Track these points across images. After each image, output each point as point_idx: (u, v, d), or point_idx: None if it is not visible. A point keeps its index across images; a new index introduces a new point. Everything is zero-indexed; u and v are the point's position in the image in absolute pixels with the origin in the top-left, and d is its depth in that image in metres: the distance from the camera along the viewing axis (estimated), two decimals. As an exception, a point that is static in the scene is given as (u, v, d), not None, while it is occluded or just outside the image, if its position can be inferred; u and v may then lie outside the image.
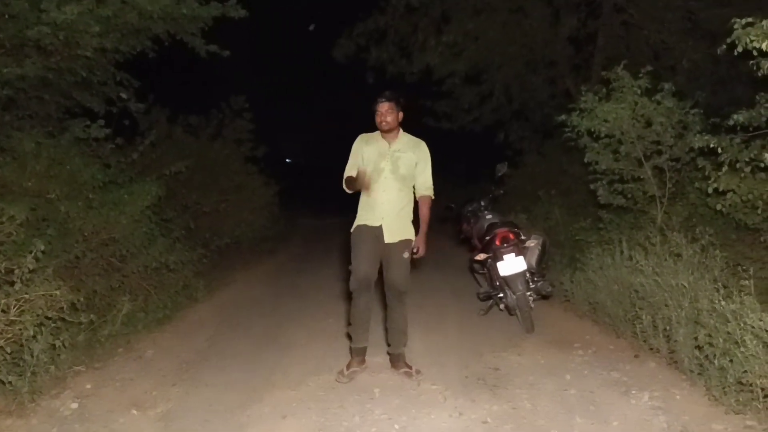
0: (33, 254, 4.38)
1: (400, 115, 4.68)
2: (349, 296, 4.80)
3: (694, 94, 6.72)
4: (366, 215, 4.67)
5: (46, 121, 7.12)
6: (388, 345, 4.91)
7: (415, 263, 4.80)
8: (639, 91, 6.26)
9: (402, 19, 12.43)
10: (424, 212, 4.76)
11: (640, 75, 6.31)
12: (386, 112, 4.60)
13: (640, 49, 10.74)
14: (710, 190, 5.51)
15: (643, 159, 6.38)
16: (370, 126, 4.76)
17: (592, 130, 6.45)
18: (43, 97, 7.06)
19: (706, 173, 5.60)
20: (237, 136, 11.38)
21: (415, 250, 4.70)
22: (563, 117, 6.74)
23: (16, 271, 4.31)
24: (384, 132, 4.67)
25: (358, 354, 4.77)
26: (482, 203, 6.71)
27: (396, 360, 4.82)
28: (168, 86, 10.41)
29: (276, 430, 3.85)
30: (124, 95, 7.69)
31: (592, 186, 6.83)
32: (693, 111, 6.23)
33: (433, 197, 4.82)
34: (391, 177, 4.63)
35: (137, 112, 8.22)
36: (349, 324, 4.83)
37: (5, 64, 6.23)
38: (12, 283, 4.29)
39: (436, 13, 12.22)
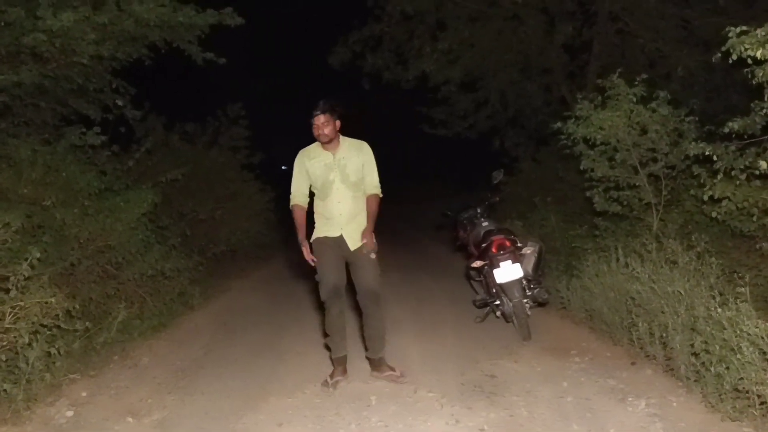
0: (28, 261, 4.38)
1: (338, 123, 4.63)
2: (321, 307, 4.81)
3: (689, 102, 6.74)
4: (324, 227, 4.69)
5: (42, 128, 7.13)
6: (367, 350, 4.87)
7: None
8: (634, 99, 6.28)
9: (398, 26, 12.48)
10: (372, 208, 4.74)
11: (636, 83, 6.33)
12: (322, 124, 4.54)
13: (635, 57, 10.79)
14: (706, 198, 5.51)
15: (638, 166, 6.39)
16: (309, 138, 4.73)
17: (588, 137, 6.46)
18: (39, 104, 7.07)
19: (702, 181, 5.60)
20: (233, 143, 11.39)
21: (367, 245, 4.69)
22: (559, 124, 6.76)
23: (12, 279, 4.31)
24: (324, 144, 4.64)
25: (339, 363, 4.74)
26: (478, 210, 6.71)
27: (378, 364, 4.80)
28: (164, 93, 10.42)
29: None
30: (120, 102, 7.71)
31: (587, 193, 6.84)
32: (688, 119, 6.25)
33: (381, 195, 4.82)
34: (343, 187, 4.63)
35: (133, 120, 8.23)
36: (325, 335, 4.82)
37: (1, 71, 6.23)
38: (7, 291, 4.29)
39: (432, 20, 12.27)
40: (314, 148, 4.71)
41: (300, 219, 4.69)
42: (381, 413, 4.12)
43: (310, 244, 4.66)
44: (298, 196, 4.71)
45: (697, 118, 6.28)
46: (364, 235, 4.67)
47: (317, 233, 4.69)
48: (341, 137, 4.72)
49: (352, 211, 4.65)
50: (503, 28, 11.91)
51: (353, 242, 4.63)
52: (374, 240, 4.72)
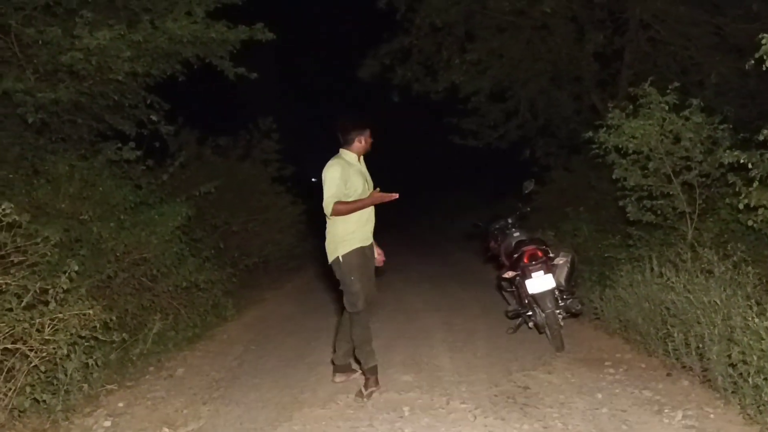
0: (67, 274, 4.46)
1: None
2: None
3: (723, 109, 6.65)
4: (359, 237, 4.75)
5: (79, 143, 7.29)
6: (335, 352, 5.13)
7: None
8: (667, 107, 6.22)
9: (426, 39, 12.50)
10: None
11: (668, 91, 6.27)
12: (370, 136, 4.85)
13: (667, 65, 10.69)
14: (741, 206, 5.43)
15: (672, 175, 6.32)
16: (334, 147, 4.89)
17: (620, 146, 6.41)
18: (76, 120, 7.23)
19: (737, 189, 5.53)
20: (264, 156, 11.50)
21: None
22: (590, 134, 6.72)
23: (51, 291, 4.39)
24: (360, 155, 4.87)
25: (372, 373, 4.79)
26: (509, 221, 6.69)
27: (342, 370, 5.09)
28: (197, 108, 10.57)
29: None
30: (154, 118, 7.85)
31: (620, 202, 6.78)
32: (722, 126, 6.17)
33: None
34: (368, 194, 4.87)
35: (167, 134, 8.36)
36: (354, 349, 4.91)
37: (39, 89, 6.40)
38: (47, 303, 4.36)
39: (460, 31, 12.27)
40: (348, 158, 4.79)
41: (350, 205, 4.64)
42: (414, 425, 4.12)
43: (341, 257, 4.69)
44: (338, 198, 4.62)
45: (731, 126, 6.21)
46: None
47: (352, 244, 4.70)
48: None
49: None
50: (532, 37, 11.88)
51: (375, 250, 4.98)
52: None
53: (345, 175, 4.62)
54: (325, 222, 4.79)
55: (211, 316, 7.18)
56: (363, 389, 4.68)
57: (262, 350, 6.21)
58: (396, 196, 4.63)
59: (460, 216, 15.35)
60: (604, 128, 6.55)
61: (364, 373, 4.80)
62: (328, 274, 5.13)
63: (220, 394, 4.92)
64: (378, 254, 5.03)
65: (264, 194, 11.05)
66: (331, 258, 4.76)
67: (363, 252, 4.76)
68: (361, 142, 4.80)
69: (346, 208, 4.60)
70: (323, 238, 4.83)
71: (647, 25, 10.94)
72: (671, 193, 6.39)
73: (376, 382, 4.77)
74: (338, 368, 5.10)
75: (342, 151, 4.82)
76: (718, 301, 4.58)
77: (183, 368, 5.66)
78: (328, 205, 4.59)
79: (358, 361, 4.91)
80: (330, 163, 4.73)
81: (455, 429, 4.02)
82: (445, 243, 15.85)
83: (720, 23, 9.89)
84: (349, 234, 4.71)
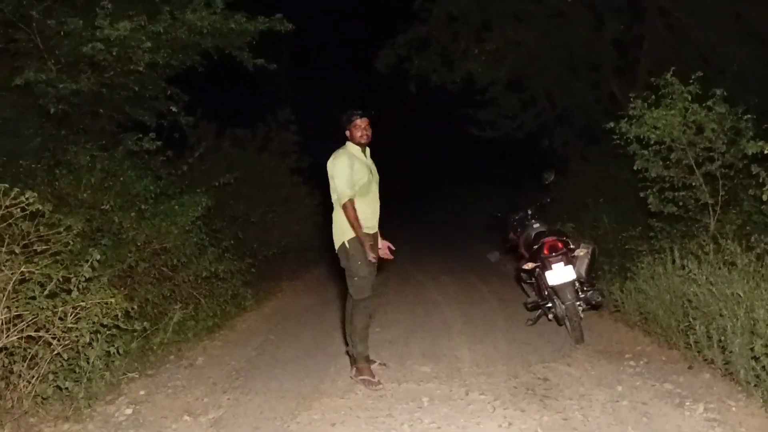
0: (89, 263, 4.50)
1: None
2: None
3: (746, 99, 6.55)
4: (367, 225, 4.81)
5: (100, 134, 7.33)
6: (347, 344, 5.11)
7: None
8: (689, 97, 6.14)
9: (443, 28, 12.44)
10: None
11: (691, 81, 6.19)
12: (368, 126, 4.87)
13: (687, 53, 10.52)
14: (765, 197, 5.34)
15: (694, 166, 6.24)
16: (340, 139, 4.96)
17: (642, 137, 6.34)
18: (97, 111, 7.29)
19: (761, 180, 5.44)
20: (283, 148, 11.49)
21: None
22: (611, 124, 6.65)
23: (73, 280, 4.43)
24: (363, 145, 4.90)
25: (369, 361, 4.92)
26: (529, 212, 6.66)
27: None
28: (216, 100, 10.60)
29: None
30: (174, 109, 7.88)
31: (642, 194, 6.70)
32: (745, 116, 6.08)
33: None
34: (376, 186, 4.96)
35: (187, 126, 8.40)
36: (352, 336, 4.93)
37: (61, 80, 6.45)
38: (69, 291, 4.41)
39: (477, 21, 12.21)
40: (352, 150, 4.89)
41: (356, 214, 4.74)
42: (433, 415, 4.12)
43: (348, 243, 4.80)
44: (350, 192, 4.74)
45: (754, 116, 6.11)
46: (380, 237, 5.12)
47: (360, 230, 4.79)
48: None
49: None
50: (549, 26, 11.78)
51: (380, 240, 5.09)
52: None
53: (351, 165, 4.75)
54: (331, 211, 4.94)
55: (230, 306, 7.21)
56: (371, 378, 4.75)
57: (281, 340, 6.24)
58: (390, 257, 5.20)
59: (477, 207, 15.28)
60: (626, 118, 6.49)
61: (356, 361, 4.87)
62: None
63: (239, 384, 4.95)
64: (385, 246, 5.17)
65: (282, 186, 11.05)
66: (338, 244, 4.87)
67: (371, 238, 4.87)
68: (358, 131, 4.83)
69: (351, 215, 4.71)
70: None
71: (666, 12, 10.78)
72: (693, 184, 6.31)
73: (371, 372, 4.81)
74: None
75: (347, 143, 4.92)
76: (741, 294, 4.53)
77: (203, 357, 5.71)
78: (344, 197, 4.71)
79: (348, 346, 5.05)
80: (336, 153, 4.86)
81: (474, 420, 4.02)
82: (464, 235, 15.80)
83: (741, 10, 9.73)
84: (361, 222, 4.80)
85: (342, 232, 4.81)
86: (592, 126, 11.35)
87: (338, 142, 4.97)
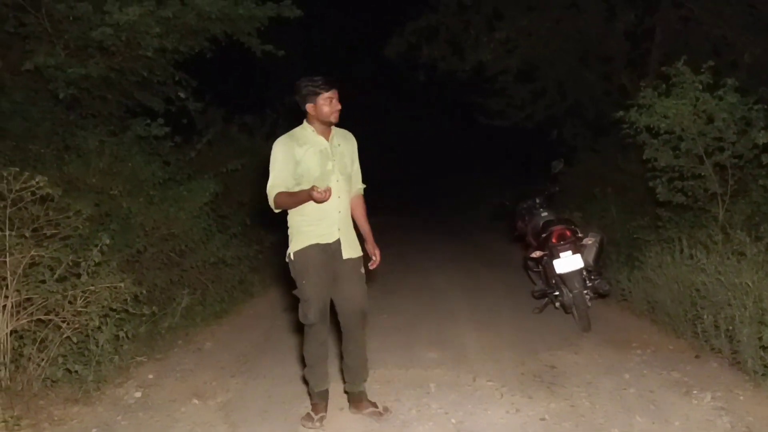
0: (98, 248, 4.53)
1: None
2: (299, 328, 4.06)
3: (758, 90, 6.52)
4: (317, 230, 3.74)
5: (109, 119, 7.34)
6: (345, 382, 4.06)
7: (369, 275, 4.02)
8: (700, 87, 6.11)
9: (454, 17, 12.36)
10: (364, 211, 4.06)
11: (702, 70, 6.16)
12: (338, 100, 3.73)
13: (699, 44, 10.45)
14: (775, 188, 5.35)
15: (704, 156, 6.22)
16: (295, 122, 3.90)
17: (651, 126, 6.32)
18: (105, 96, 7.28)
19: (771, 170, 5.44)
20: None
21: (373, 258, 4.00)
22: (621, 113, 6.63)
23: (83, 264, 4.46)
24: (327, 125, 3.78)
25: (322, 398, 3.91)
26: (537, 201, 6.64)
27: (358, 399, 4.01)
28: (224, 86, 10.57)
29: (333, 421, 3.89)
30: (182, 94, 7.87)
31: (650, 183, 6.69)
32: (756, 107, 6.05)
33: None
34: (342, 178, 3.80)
35: (195, 111, 8.40)
36: (304, 366, 3.96)
37: (70, 64, 6.45)
38: (78, 276, 4.44)
39: (488, 9, 12.11)
40: (303, 133, 3.78)
41: (289, 194, 3.68)
42: (441, 401, 4.14)
43: (293, 255, 3.78)
44: (279, 188, 3.70)
45: (765, 106, 6.08)
46: (368, 246, 4.01)
47: (305, 241, 3.74)
48: None
49: (347, 210, 3.88)
50: (561, 16, 11.70)
51: (349, 250, 3.82)
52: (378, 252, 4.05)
53: (291, 155, 3.68)
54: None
55: (237, 292, 7.24)
56: (313, 414, 3.86)
57: (287, 326, 6.24)
58: (327, 193, 3.47)
59: (485, 197, 15.27)
60: (635, 107, 6.46)
61: (311, 397, 3.95)
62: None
63: (247, 368, 4.98)
64: (371, 253, 4.01)
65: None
66: (287, 255, 3.84)
67: (323, 251, 3.74)
68: (326, 106, 3.68)
69: (286, 201, 3.68)
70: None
71: (679, 3, 10.70)
72: (703, 174, 6.29)
73: (326, 408, 3.92)
74: (354, 398, 4.06)
75: (304, 124, 3.82)
76: (750, 283, 4.52)
77: (211, 342, 5.74)
78: (269, 197, 3.73)
79: (305, 382, 4.01)
80: (277, 140, 3.81)
81: (482, 406, 4.03)
82: (471, 224, 15.80)
83: (754, 2, 9.64)
84: (303, 226, 3.76)
85: (290, 242, 3.81)
86: (601, 118, 11.30)
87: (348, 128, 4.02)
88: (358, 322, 3.92)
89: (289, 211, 3.79)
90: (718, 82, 6.16)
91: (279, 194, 3.66)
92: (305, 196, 3.56)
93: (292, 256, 3.77)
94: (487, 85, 12.81)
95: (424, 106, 21.99)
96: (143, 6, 6.22)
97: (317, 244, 3.73)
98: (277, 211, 3.78)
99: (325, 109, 3.69)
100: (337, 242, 3.78)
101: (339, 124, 3.83)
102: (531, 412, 3.92)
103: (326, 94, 3.67)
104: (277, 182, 3.69)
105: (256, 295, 7.60)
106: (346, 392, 4.07)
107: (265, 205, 3.78)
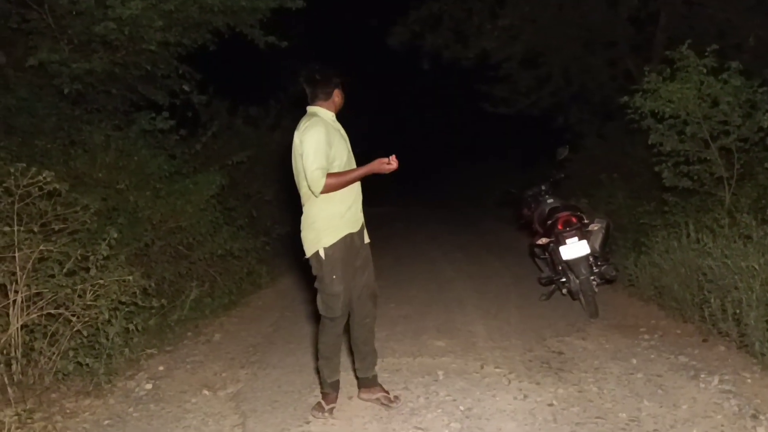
0: (107, 242, 4.55)
1: None
2: (307, 319, 4.10)
3: (762, 73, 6.49)
4: (345, 222, 3.73)
5: (114, 114, 7.36)
6: (357, 369, 4.05)
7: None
8: (705, 71, 6.08)
9: (456, 4, 12.32)
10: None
11: (706, 54, 6.13)
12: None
13: (704, 28, 10.38)
14: (781, 170, 5.33)
15: (709, 140, 6.21)
16: (299, 113, 3.97)
17: (656, 111, 6.30)
18: (110, 91, 7.30)
19: (777, 153, 5.42)
20: (296, 125, 11.47)
21: (389, 161, 3.66)
22: (626, 98, 6.61)
23: (91, 258, 4.48)
24: (335, 112, 3.86)
25: (334, 389, 3.91)
26: (543, 188, 6.64)
27: (372, 383, 4.01)
28: (228, 78, 10.56)
29: (342, 410, 3.91)
30: (186, 88, 7.89)
31: (656, 168, 6.68)
32: (761, 90, 6.02)
33: None
34: (354, 163, 3.84)
35: (199, 104, 8.41)
36: (317, 357, 3.96)
37: (74, 59, 6.46)
38: (87, 270, 4.47)
39: (491, -3, 12.08)
40: (329, 115, 3.82)
41: (339, 175, 3.64)
42: (449, 388, 4.16)
43: (323, 251, 3.71)
44: (327, 169, 3.61)
45: (771, 89, 6.06)
46: (375, 163, 3.71)
47: (337, 234, 3.70)
48: None
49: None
50: (565, 2, 11.64)
51: (366, 235, 3.92)
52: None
53: (328, 139, 3.63)
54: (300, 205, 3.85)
55: (246, 284, 7.28)
56: (324, 404, 3.86)
57: (296, 316, 6.28)
58: (394, 162, 3.60)
59: (492, 185, 15.26)
60: (640, 92, 6.44)
61: (322, 386, 3.94)
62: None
63: (257, 359, 5.01)
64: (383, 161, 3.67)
65: (295, 164, 11.05)
66: (309, 251, 3.76)
67: (352, 241, 3.76)
68: (339, 97, 3.83)
69: (337, 181, 3.60)
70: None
71: (684, -14, 10.64)
72: (708, 158, 6.28)
73: (336, 399, 3.92)
74: (365, 383, 4.06)
75: (316, 108, 3.82)
76: (757, 267, 4.52)
77: (220, 334, 5.77)
78: (316, 181, 3.54)
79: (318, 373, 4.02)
80: (308, 124, 3.69)
81: (490, 392, 4.05)
82: (477, 212, 15.79)
83: (760, -16, 9.59)
84: (335, 218, 3.69)
85: (317, 237, 3.70)
86: (607, 103, 11.26)
87: (352, 117, 4.15)
88: (374, 307, 3.96)
89: (314, 207, 3.71)
90: (722, 65, 6.14)
91: (330, 175, 3.58)
92: (356, 175, 3.66)
93: (322, 253, 3.69)
94: (492, 72, 12.77)
95: (429, 95, 21.94)
96: (145, 0, 6.23)
97: (347, 236, 3.72)
98: (320, 195, 3.61)
99: (341, 97, 3.87)
100: (362, 228, 3.87)
101: (343, 114, 3.92)
102: (539, 397, 3.93)
103: (339, 85, 3.84)
104: (325, 164, 3.58)
105: (264, 286, 7.63)
106: (357, 378, 4.07)
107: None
